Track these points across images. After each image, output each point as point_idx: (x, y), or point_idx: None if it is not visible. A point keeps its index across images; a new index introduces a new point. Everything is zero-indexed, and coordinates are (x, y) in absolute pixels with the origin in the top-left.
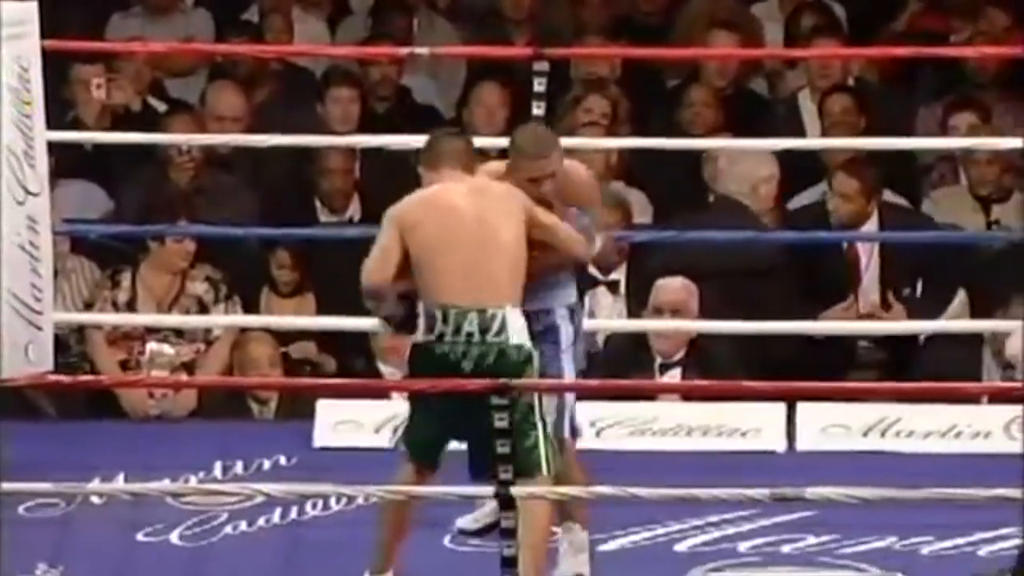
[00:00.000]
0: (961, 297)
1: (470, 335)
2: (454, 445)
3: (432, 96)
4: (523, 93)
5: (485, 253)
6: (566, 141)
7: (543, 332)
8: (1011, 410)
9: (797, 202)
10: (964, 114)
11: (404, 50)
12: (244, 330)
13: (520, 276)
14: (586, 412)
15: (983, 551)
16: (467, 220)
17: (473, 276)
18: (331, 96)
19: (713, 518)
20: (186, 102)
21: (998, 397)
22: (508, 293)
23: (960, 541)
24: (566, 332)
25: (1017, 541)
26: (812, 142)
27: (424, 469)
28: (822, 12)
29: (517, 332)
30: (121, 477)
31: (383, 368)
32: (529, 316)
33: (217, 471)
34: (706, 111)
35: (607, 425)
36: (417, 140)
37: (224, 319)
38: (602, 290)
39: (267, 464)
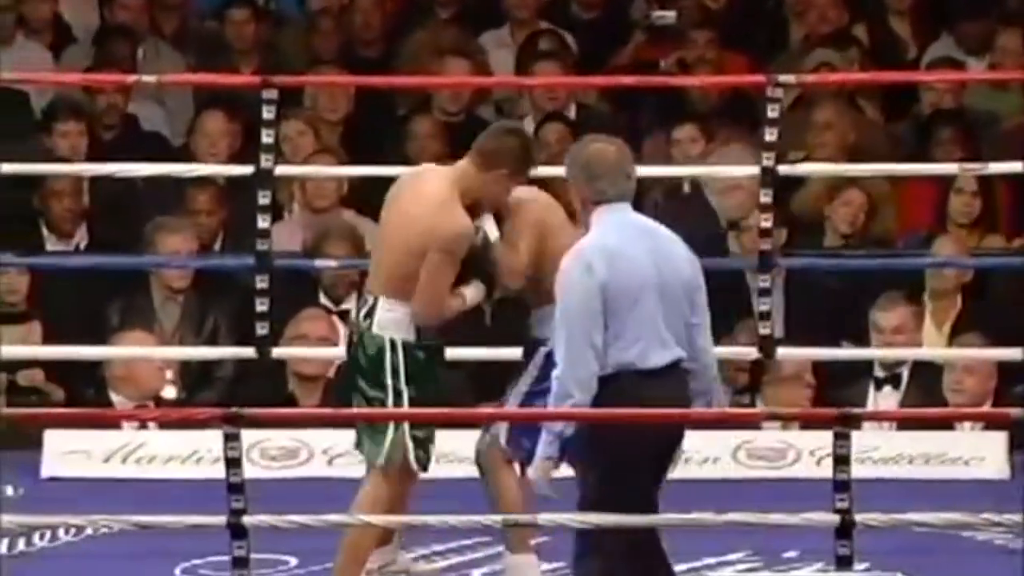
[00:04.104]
0: None
1: (358, 314)
2: None
3: (160, 124)
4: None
5: (379, 244)
6: (295, 169)
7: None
8: (739, 435)
9: None
10: (685, 127)
11: (132, 77)
12: None
13: (401, 271)
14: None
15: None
16: (386, 211)
17: (372, 264)
18: (58, 130)
19: (446, 545)
20: None
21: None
22: (383, 283)
23: (684, 567)
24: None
25: (743, 566)
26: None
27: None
28: (554, 38)
29: (381, 322)
30: None
31: (114, 398)
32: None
33: None
34: (431, 143)
35: (339, 453)
36: (144, 168)
37: None
38: (335, 320)
39: None
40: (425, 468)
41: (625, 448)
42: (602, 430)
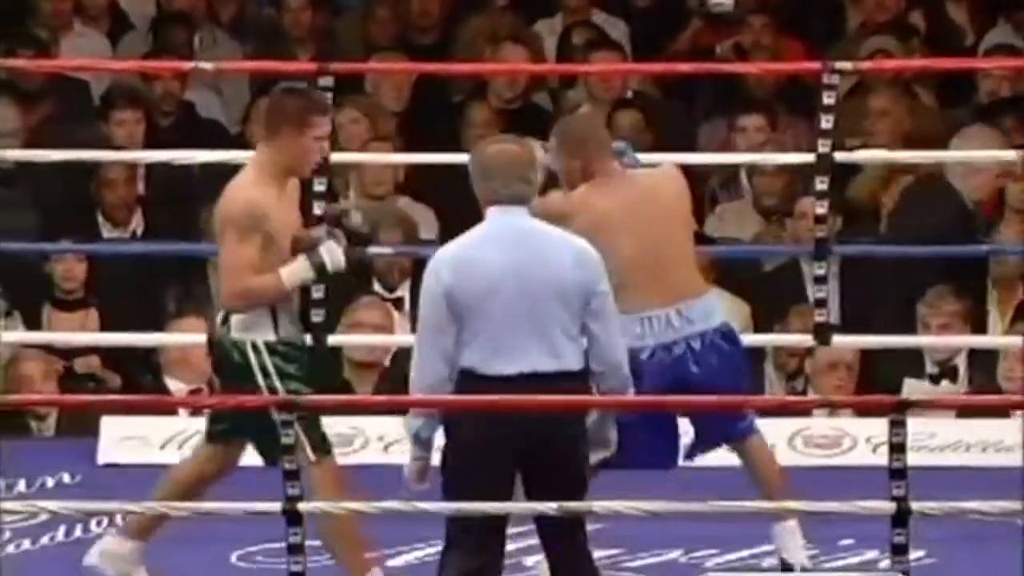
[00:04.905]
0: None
1: (215, 322)
2: None
3: (216, 111)
4: None
5: None
6: (350, 156)
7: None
8: (794, 423)
9: None
10: (752, 116)
11: (189, 65)
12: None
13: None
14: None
15: (767, 563)
16: None
17: None
18: (115, 118)
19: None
20: None
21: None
22: None
23: (744, 553)
24: None
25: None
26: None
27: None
28: (592, 29)
29: (237, 327)
30: None
31: (169, 383)
32: None
33: None
34: (487, 130)
35: (394, 440)
36: (200, 155)
37: (5, 336)
38: (390, 307)
39: (51, 482)
40: (329, 452)
41: (462, 448)
42: (450, 428)
